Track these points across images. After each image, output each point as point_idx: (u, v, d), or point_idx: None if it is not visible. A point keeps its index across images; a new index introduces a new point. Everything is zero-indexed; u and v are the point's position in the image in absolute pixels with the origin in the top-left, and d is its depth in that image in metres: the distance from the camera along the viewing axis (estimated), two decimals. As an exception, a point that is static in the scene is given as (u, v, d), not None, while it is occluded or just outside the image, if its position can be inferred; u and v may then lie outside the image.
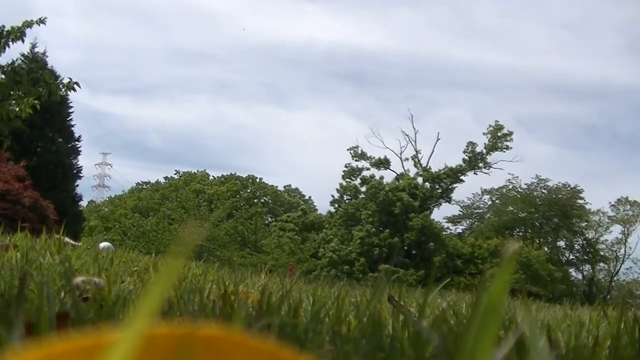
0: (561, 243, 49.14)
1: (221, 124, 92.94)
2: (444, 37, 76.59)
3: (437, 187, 46.64)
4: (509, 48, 76.07)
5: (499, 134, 46.64)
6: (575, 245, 48.77)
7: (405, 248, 42.35)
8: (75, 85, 11.99)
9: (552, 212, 47.31)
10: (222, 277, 3.56)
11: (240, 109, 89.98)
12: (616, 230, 48.59)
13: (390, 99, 79.08)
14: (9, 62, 11.63)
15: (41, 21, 11.73)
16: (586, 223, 48.24)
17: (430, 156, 48.06)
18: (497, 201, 49.89)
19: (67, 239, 4.07)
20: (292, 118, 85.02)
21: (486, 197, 50.20)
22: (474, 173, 47.36)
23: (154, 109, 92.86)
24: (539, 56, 74.96)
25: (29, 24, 11.64)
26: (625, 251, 47.34)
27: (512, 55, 76.43)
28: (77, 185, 31.86)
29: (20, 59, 13.74)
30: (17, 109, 11.08)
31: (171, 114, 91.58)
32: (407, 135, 48.10)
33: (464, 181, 47.19)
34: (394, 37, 79.41)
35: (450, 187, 46.81)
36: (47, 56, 29.49)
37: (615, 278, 47.85)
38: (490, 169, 47.05)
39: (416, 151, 48.07)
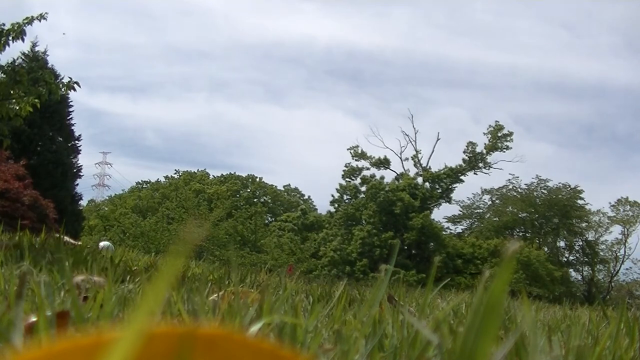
0: (561, 243, 49.18)
1: (220, 123, 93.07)
2: (441, 36, 76.77)
3: (437, 187, 46.66)
4: (507, 47, 76.20)
5: (499, 134, 46.68)
6: (575, 246, 48.77)
7: (406, 248, 42.35)
8: (75, 85, 11.98)
9: (552, 213, 47.30)
10: (222, 276, 3.56)
11: (238, 107, 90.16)
12: (616, 231, 48.65)
13: (388, 97, 79.24)
14: (10, 61, 11.62)
15: (42, 17, 11.69)
16: (586, 223, 48.23)
17: (430, 156, 48.16)
18: (497, 201, 49.89)
19: (66, 238, 4.07)
20: (290, 117, 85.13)
21: (486, 197, 50.26)
22: (474, 173, 47.42)
23: (152, 107, 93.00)
24: (537, 55, 75.14)
25: (29, 21, 11.61)
26: (625, 251, 47.37)
27: (510, 54, 76.56)
28: (77, 184, 31.91)
29: (21, 58, 13.73)
30: (17, 108, 11.07)
31: (169, 112, 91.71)
32: (407, 135, 48.21)
33: (464, 181, 47.29)
34: (391, 35, 79.56)
35: (450, 187, 46.82)
36: (47, 55, 29.51)
37: (615, 278, 47.87)
38: (490, 169, 47.12)
39: (416, 151, 48.15)
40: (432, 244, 43.04)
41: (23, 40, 11.80)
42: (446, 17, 76.37)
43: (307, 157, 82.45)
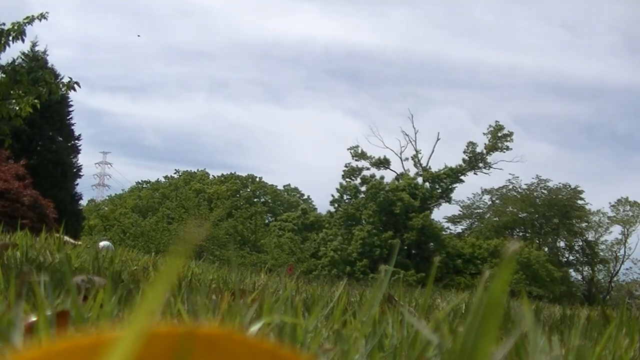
0: (561, 244, 49.18)
1: (219, 123, 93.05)
2: (441, 36, 76.81)
3: (437, 187, 46.67)
4: (507, 47, 76.23)
5: (499, 134, 46.71)
6: (575, 246, 48.77)
7: (405, 248, 42.35)
8: (75, 85, 11.98)
9: (552, 213, 47.30)
10: (222, 276, 3.56)
11: (238, 107, 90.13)
12: (616, 231, 48.66)
13: (388, 97, 79.32)
14: (10, 61, 11.61)
15: (42, 17, 11.67)
16: (586, 223, 48.23)
17: (430, 156, 48.16)
18: (497, 201, 49.90)
19: (66, 238, 4.07)
20: (290, 116, 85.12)
21: (486, 197, 50.28)
22: (474, 173, 47.44)
23: (152, 107, 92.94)
24: (537, 55, 75.15)
25: (30, 20, 11.60)
26: (625, 252, 47.39)
27: (510, 54, 76.61)
28: (77, 184, 31.90)
29: (21, 58, 13.71)
30: (17, 108, 11.07)
31: (169, 112, 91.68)
32: (407, 135, 48.23)
33: (464, 181, 47.31)
34: (391, 35, 79.63)
35: (450, 187, 46.83)
36: (47, 55, 29.52)
37: (615, 279, 47.88)
38: (490, 169, 47.14)
39: (416, 151, 48.16)
40: (432, 244, 43.04)
41: (23, 40, 11.80)
42: (446, 17, 76.42)
43: (307, 157, 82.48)
